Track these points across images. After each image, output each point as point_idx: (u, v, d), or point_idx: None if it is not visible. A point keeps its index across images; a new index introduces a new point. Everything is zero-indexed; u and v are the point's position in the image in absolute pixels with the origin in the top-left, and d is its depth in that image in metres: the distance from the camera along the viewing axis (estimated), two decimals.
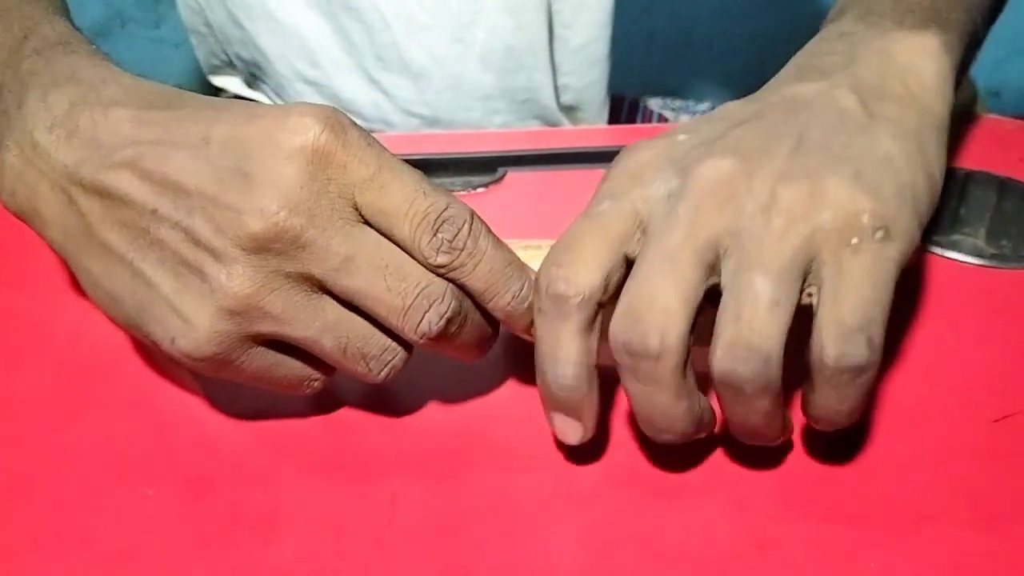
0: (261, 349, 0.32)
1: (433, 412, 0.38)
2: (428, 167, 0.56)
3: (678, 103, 1.26)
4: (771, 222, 0.30)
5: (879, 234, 0.30)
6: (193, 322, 0.31)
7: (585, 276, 0.31)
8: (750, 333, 0.29)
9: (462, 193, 0.54)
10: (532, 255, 0.35)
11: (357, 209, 0.31)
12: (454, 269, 0.31)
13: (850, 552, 0.32)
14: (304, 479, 0.35)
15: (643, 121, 1.12)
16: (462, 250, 0.31)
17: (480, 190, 0.54)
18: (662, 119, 1.13)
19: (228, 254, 0.30)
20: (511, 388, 0.39)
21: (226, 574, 0.31)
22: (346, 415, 0.38)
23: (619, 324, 0.30)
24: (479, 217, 0.32)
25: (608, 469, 0.35)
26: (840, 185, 0.31)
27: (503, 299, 0.33)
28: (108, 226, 0.32)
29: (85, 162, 0.32)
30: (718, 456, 0.35)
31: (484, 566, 0.32)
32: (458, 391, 0.39)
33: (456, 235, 0.31)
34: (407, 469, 0.35)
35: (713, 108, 1.31)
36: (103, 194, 0.32)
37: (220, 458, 0.36)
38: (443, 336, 0.32)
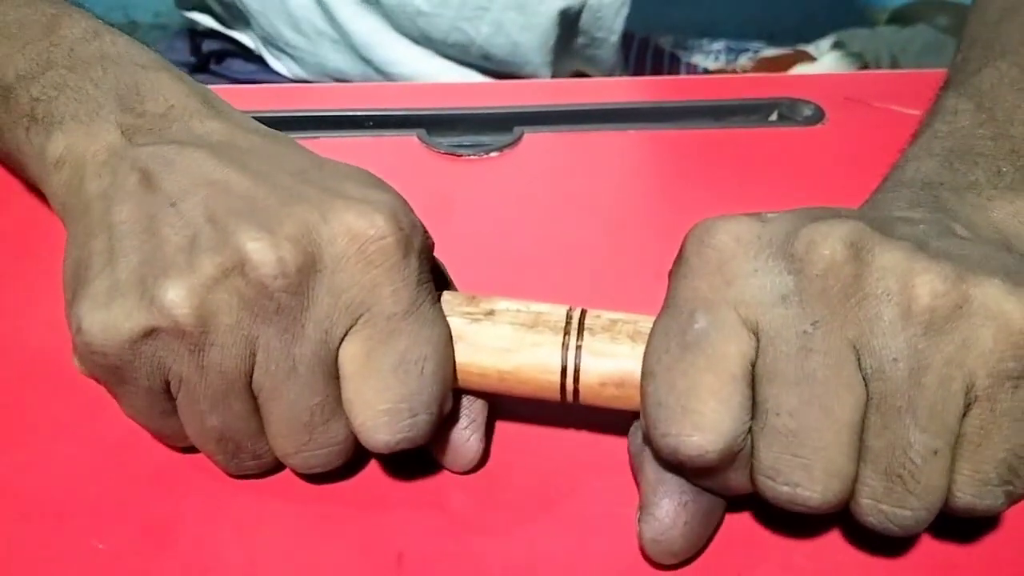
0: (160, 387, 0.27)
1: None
2: (435, 123, 0.49)
3: (691, 41, 1.19)
4: (914, 341, 0.24)
5: None
6: (116, 313, 0.26)
7: (718, 434, 0.25)
8: (905, 492, 0.25)
9: (473, 157, 0.47)
10: (477, 328, 0.29)
11: (344, 336, 0.27)
12: None
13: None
14: (292, 529, 0.29)
15: (654, 60, 1.04)
16: None
17: (494, 154, 0.47)
18: (674, 58, 1.06)
19: (200, 273, 0.25)
20: (525, 435, 0.33)
21: None
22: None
23: (774, 482, 0.25)
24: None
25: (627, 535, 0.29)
26: (998, 292, 0.24)
27: None
28: (124, 198, 0.28)
29: (148, 145, 0.29)
30: None
31: None
32: None
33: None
34: (414, 523, 0.29)
35: (728, 46, 1.24)
36: (145, 173, 0.28)
37: (185, 499, 0.29)
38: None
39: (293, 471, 0.30)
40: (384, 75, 0.67)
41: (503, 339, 0.28)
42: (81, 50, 0.33)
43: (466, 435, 0.30)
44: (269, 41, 0.69)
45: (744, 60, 1.13)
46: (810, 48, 1.08)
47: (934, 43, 1.07)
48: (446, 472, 0.31)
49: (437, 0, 0.63)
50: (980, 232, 0.28)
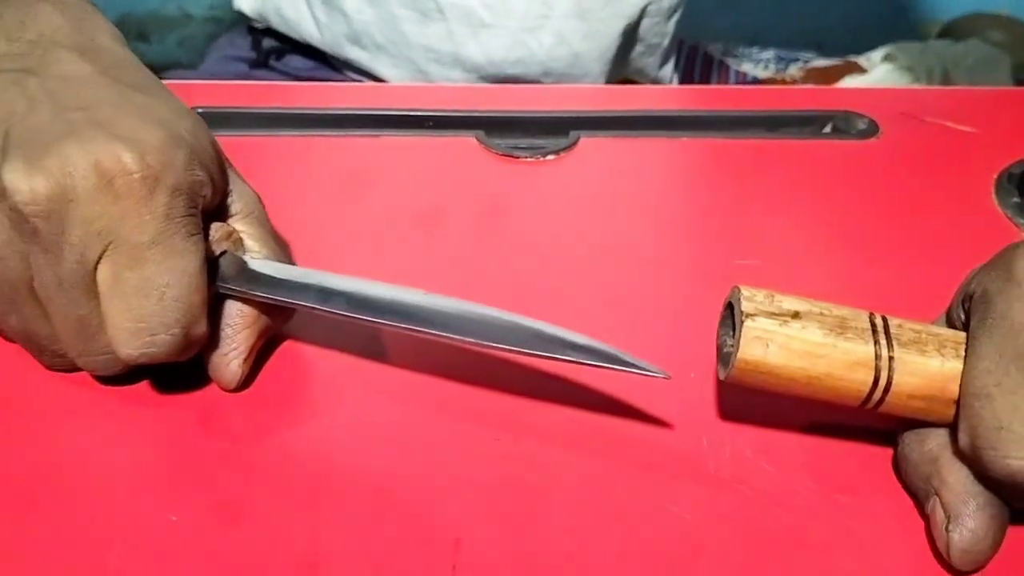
0: None
1: (502, 442, 0.33)
2: (493, 125, 0.50)
3: (741, 49, 1.19)
4: None
5: None
6: None
7: None
8: None
9: (530, 159, 0.48)
10: (794, 330, 0.29)
11: (99, 260, 0.30)
12: None
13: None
14: (354, 512, 0.30)
15: (703, 68, 1.05)
16: None
17: (550, 157, 0.48)
18: (723, 66, 1.06)
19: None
20: (585, 423, 0.34)
21: None
22: (406, 442, 0.33)
23: None
24: None
25: (668, 530, 0.30)
26: None
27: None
28: None
29: (13, 70, 0.32)
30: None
31: None
32: (531, 419, 0.33)
33: None
34: (473, 508, 0.30)
35: (778, 55, 1.23)
36: None
37: (255, 477, 0.31)
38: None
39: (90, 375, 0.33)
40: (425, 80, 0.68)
41: (814, 344, 0.29)
42: None
43: (227, 359, 0.33)
44: (330, 52, 0.70)
45: (794, 70, 1.13)
46: (861, 60, 1.08)
47: (987, 58, 1.06)
48: (505, 462, 0.32)
49: (500, 10, 0.64)
50: None
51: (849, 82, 1.03)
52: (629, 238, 0.43)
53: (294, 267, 0.34)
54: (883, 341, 0.29)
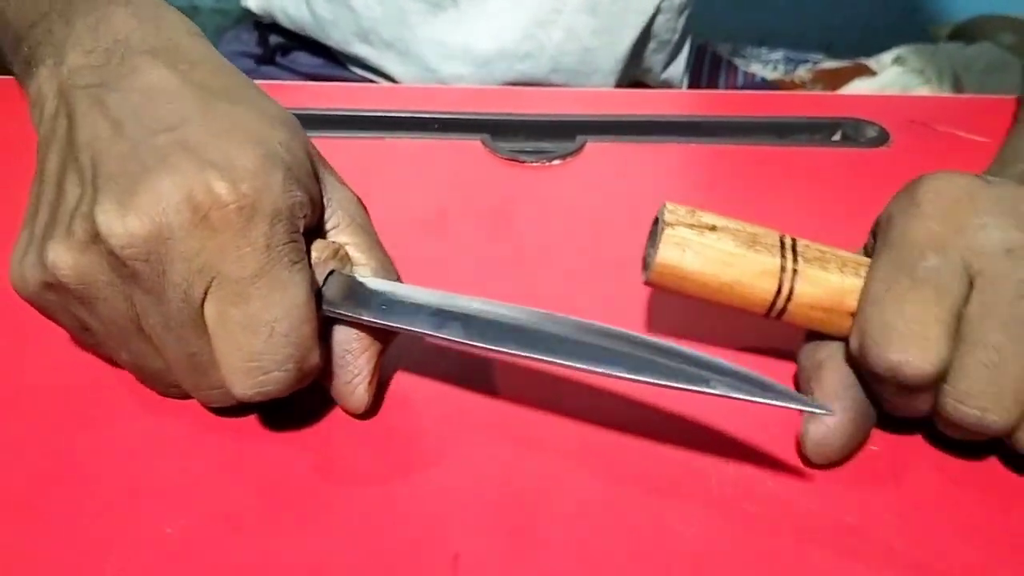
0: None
1: (502, 456, 0.32)
2: (499, 128, 0.49)
3: (749, 49, 1.18)
4: None
5: None
6: (25, 267, 0.30)
7: (937, 357, 0.29)
8: None
9: (535, 164, 0.47)
10: (703, 240, 0.31)
11: (204, 296, 0.28)
12: None
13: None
14: (351, 526, 0.30)
15: (711, 68, 1.04)
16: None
17: (556, 162, 0.47)
18: (731, 66, 1.06)
19: (74, 238, 0.28)
20: (588, 436, 0.33)
21: None
22: (403, 453, 0.32)
23: (965, 406, 0.29)
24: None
25: (672, 539, 0.29)
26: None
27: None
28: (54, 147, 0.31)
29: (81, 88, 0.31)
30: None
31: None
32: (529, 433, 0.33)
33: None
34: (471, 522, 0.30)
35: (787, 56, 1.22)
36: (71, 120, 0.31)
37: (251, 490, 0.31)
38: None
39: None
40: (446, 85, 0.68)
41: (726, 253, 0.31)
42: None
43: (352, 386, 0.32)
44: (337, 49, 0.69)
45: (802, 71, 1.12)
46: (870, 62, 1.07)
47: (998, 62, 1.06)
48: (505, 478, 0.31)
49: (511, 2, 0.63)
50: None
51: (858, 84, 1.03)
52: (635, 245, 0.42)
53: (402, 285, 0.32)
54: (789, 256, 0.32)
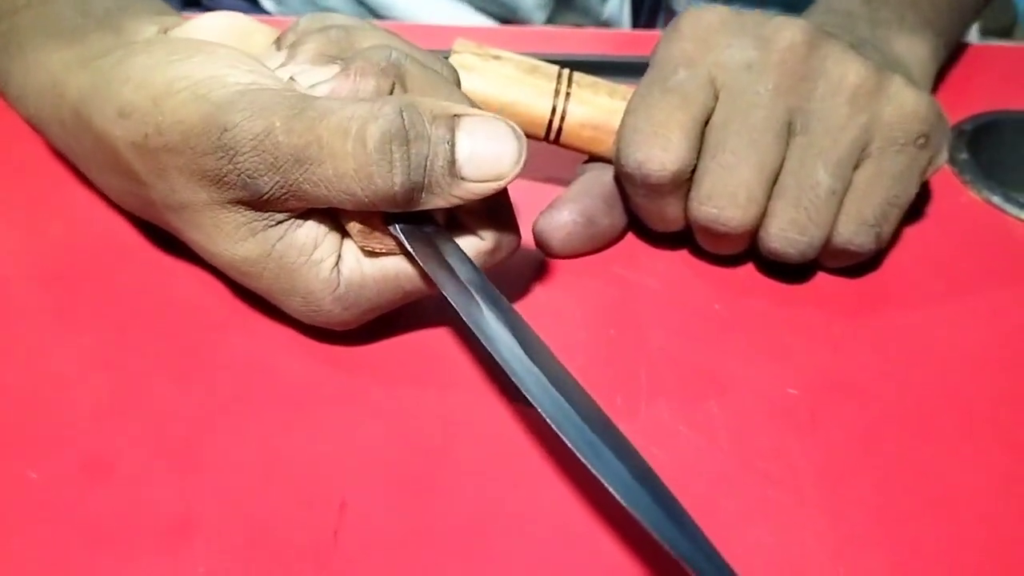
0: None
1: (393, 406, 0.30)
2: None
3: (703, 3, 1.16)
4: (839, 108, 0.33)
5: (920, 140, 0.33)
6: None
7: (677, 156, 0.32)
8: (807, 221, 0.33)
9: None
10: (486, 65, 0.35)
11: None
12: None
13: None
14: (229, 473, 0.27)
15: (667, 21, 1.01)
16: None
17: None
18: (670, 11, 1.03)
19: None
20: (478, 384, 0.31)
21: None
22: (291, 395, 0.30)
23: (706, 206, 0.33)
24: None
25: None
26: (901, 84, 0.33)
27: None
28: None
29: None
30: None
31: None
32: (423, 381, 0.31)
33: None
34: (359, 471, 0.28)
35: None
36: None
37: (124, 436, 0.28)
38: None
39: None
40: (375, 15, 0.65)
41: (507, 77, 0.35)
42: None
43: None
44: None
45: None
46: None
47: None
48: (399, 426, 0.29)
49: None
50: (885, 55, 0.41)
51: None
52: (632, 247, 0.40)
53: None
54: (564, 82, 0.36)
